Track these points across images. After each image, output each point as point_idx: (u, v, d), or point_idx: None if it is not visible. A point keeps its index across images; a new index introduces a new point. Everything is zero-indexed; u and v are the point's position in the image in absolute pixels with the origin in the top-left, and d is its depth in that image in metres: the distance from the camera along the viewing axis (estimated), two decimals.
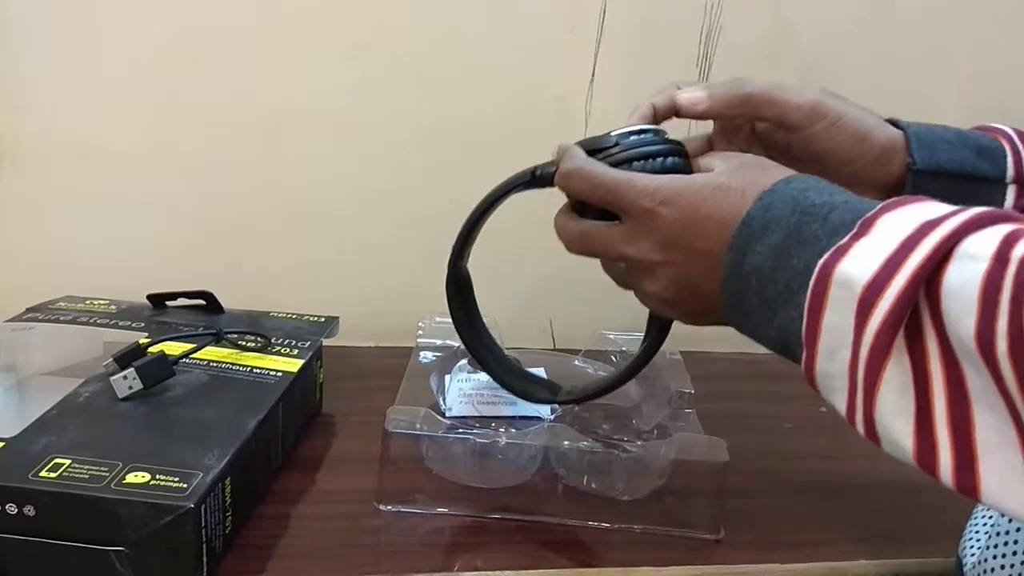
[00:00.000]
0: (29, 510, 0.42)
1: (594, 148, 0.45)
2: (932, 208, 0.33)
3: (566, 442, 0.54)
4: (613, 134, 0.46)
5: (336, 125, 0.78)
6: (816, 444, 0.65)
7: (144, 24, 0.74)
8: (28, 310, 0.65)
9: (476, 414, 0.62)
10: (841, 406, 0.34)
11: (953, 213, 0.32)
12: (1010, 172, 0.47)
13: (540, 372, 0.67)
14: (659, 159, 0.43)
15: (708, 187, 0.40)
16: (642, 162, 0.44)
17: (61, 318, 0.64)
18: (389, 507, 0.53)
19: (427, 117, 0.78)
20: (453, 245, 0.54)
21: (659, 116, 0.48)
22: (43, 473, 0.43)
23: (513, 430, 0.55)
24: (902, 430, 0.32)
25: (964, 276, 0.30)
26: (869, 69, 0.83)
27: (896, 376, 0.32)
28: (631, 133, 0.45)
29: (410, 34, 0.76)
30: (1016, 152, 0.47)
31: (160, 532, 0.42)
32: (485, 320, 0.57)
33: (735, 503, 0.53)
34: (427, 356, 0.66)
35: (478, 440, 0.54)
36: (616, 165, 0.44)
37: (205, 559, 0.44)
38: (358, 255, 0.82)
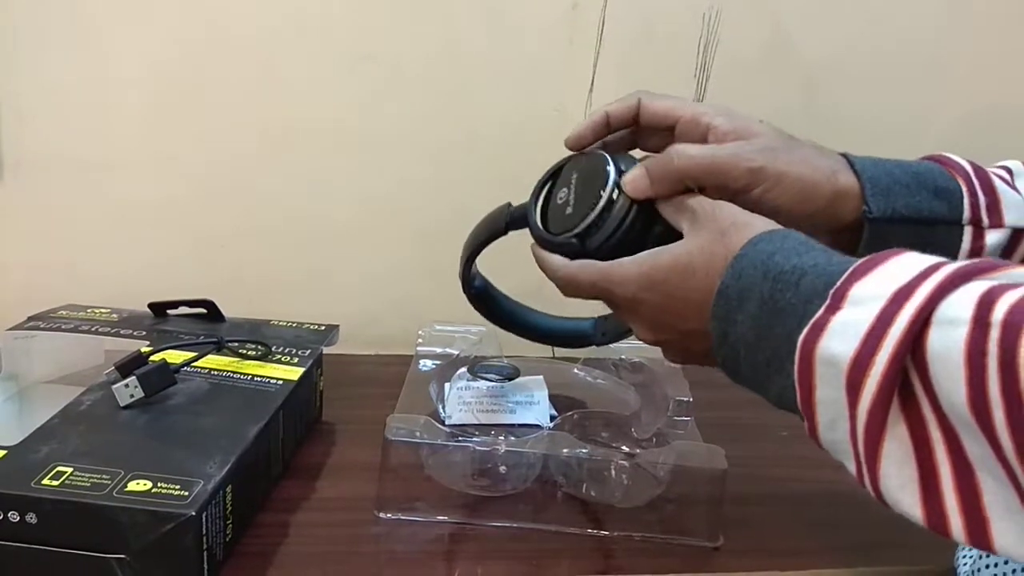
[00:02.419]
0: (31, 518, 0.42)
1: (557, 245, 0.47)
2: (902, 269, 0.33)
3: (565, 450, 0.54)
4: (570, 236, 0.46)
5: (337, 136, 0.78)
6: (813, 451, 0.64)
7: (146, 36, 0.74)
8: (30, 319, 0.65)
9: (476, 422, 0.62)
10: (852, 470, 0.34)
11: (924, 275, 0.32)
12: (966, 214, 0.46)
13: (539, 380, 0.67)
14: (619, 232, 0.45)
15: (676, 273, 0.41)
16: (610, 243, 0.45)
17: (63, 327, 0.64)
18: (389, 515, 0.54)
19: (427, 127, 0.79)
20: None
21: (613, 124, 0.49)
22: (45, 481, 0.43)
23: (512, 438, 0.55)
24: (908, 500, 0.32)
25: (946, 343, 0.30)
26: (867, 81, 0.83)
27: (894, 450, 0.32)
28: (583, 219, 0.46)
29: (410, 47, 0.77)
30: (972, 192, 0.46)
31: (161, 540, 0.42)
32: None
33: (733, 511, 0.54)
34: (427, 364, 0.67)
35: (478, 448, 0.54)
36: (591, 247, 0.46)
37: (206, 567, 0.44)
38: (358, 264, 0.82)
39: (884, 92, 0.84)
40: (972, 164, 0.48)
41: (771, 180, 0.44)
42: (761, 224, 0.40)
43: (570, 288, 0.47)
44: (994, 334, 0.28)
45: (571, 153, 0.50)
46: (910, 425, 0.31)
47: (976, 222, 0.46)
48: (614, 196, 0.45)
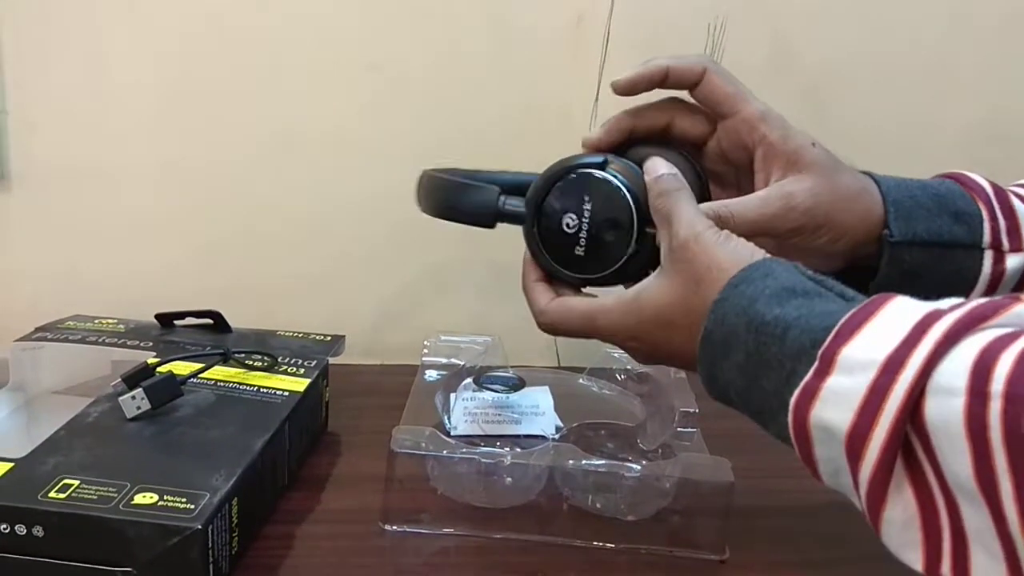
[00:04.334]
0: (38, 531, 0.42)
1: (559, 275, 0.48)
2: (891, 326, 0.32)
3: (571, 462, 0.54)
4: (582, 278, 0.47)
5: (341, 143, 0.79)
6: None
7: (149, 44, 0.75)
8: (37, 329, 0.66)
9: (481, 433, 0.62)
10: (859, 509, 0.34)
11: (914, 338, 0.30)
12: (987, 238, 0.46)
13: (545, 390, 0.67)
14: (635, 276, 0.45)
15: (657, 326, 0.42)
16: (619, 281, 0.47)
17: (70, 337, 0.64)
18: (394, 527, 0.53)
19: (432, 137, 0.79)
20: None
21: (670, 81, 0.48)
22: (52, 494, 0.44)
23: (518, 449, 0.55)
24: (911, 557, 0.32)
25: (944, 414, 0.29)
26: (872, 89, 0.83)
27: (897, 516, 0.31)
28: (604, 269, 0.47)
29: (414, 57, 0.77)
30: (993, 217, 0.46)
31: (167, 553, 0.42)
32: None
33: (740, 523, 0.53)
34: (432, 374, 0.67)
35: (483, 460, 0.54)
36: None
37: None
38: (364, 273, 0.82)
39: (889, 101, 0.84)
40: (992, 185, 0.48)
41: (808, 232, 0.45)
42: (741, 258, 0.39)
43: (549, 329, 0.47)
44: (995, 406, 0.27)
45: (572, 156, 0.48)
46: (916, 490, 0.31)
47: (996, 246, 0.46)
48: (636, 250, 0.46)
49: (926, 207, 0.46)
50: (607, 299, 0.45)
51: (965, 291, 0.46)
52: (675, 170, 0.45)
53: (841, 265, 0.48)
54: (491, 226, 0.49)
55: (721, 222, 0.43)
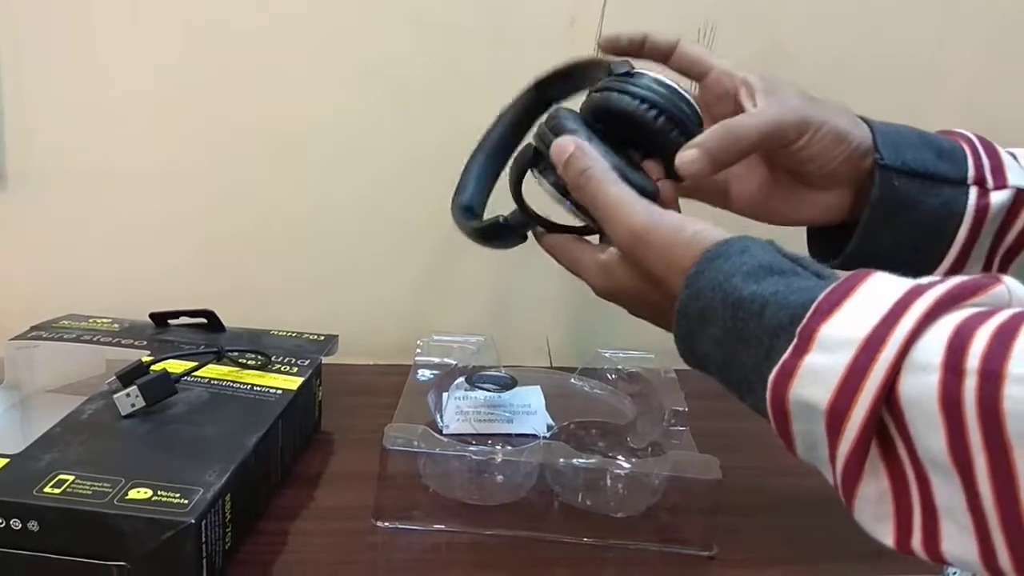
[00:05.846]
0: (33, 525, 0.43)
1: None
2: (870, 303, 0.32)
3: (561, 459, 0.54)
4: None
5: (337, 145, 0.79)
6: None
7: (148, 46, 0.75)
8: (33, 328, 0.66)
9: (473, 431, 0.62)
10: (830, 482, 0.34)
11: (894, 316, 0.31)
12: (971, 173, 0.48)
13: (536, 390, 0.68)
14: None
15: (631, 299, 0.44)
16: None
17: (65, 336, 0.65)
18: (386, 523, 0.54)
19: (428, 140, 0.80)
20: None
21: (646, 50, 0.51)
22: (47, 489, 0.44)
23: (509, 447, 0.56)
24: (881, 530, 0.32)
25: (919, 390, 0.29)
26: (862, 94, 0.83)
27: (871, 492, 0.32)
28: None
29: (413, 60, 0.78)
30: (975, 154, 0.49)
31: (161, 547, 0.43)
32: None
33: (728, 520, 0.54)
34: (425, 374, 0.67)
35: (475, 457, 0.55)
36: None
37: (205, 574, 0.45)
38: (358, 274, 0.83)
39: (880, 106, 0.84)
40: (976, 135, 0.50)
41: (815, 125, 0.47)
42: (706, 241, 0.39)
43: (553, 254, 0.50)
44: (970, 383, 0.28)
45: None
46: (888, 465, 0.31)
47: (980, 182, 0.48)
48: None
49: (911, 141, 0.49)
50: (589, 255, 0.46)
51: (953, 226, 0.48)
52: (572, 143, 0.45)
53: (843, 203, 0.50)
54: (523, 239, 0.52)
55: (725, 134, 0.45)
